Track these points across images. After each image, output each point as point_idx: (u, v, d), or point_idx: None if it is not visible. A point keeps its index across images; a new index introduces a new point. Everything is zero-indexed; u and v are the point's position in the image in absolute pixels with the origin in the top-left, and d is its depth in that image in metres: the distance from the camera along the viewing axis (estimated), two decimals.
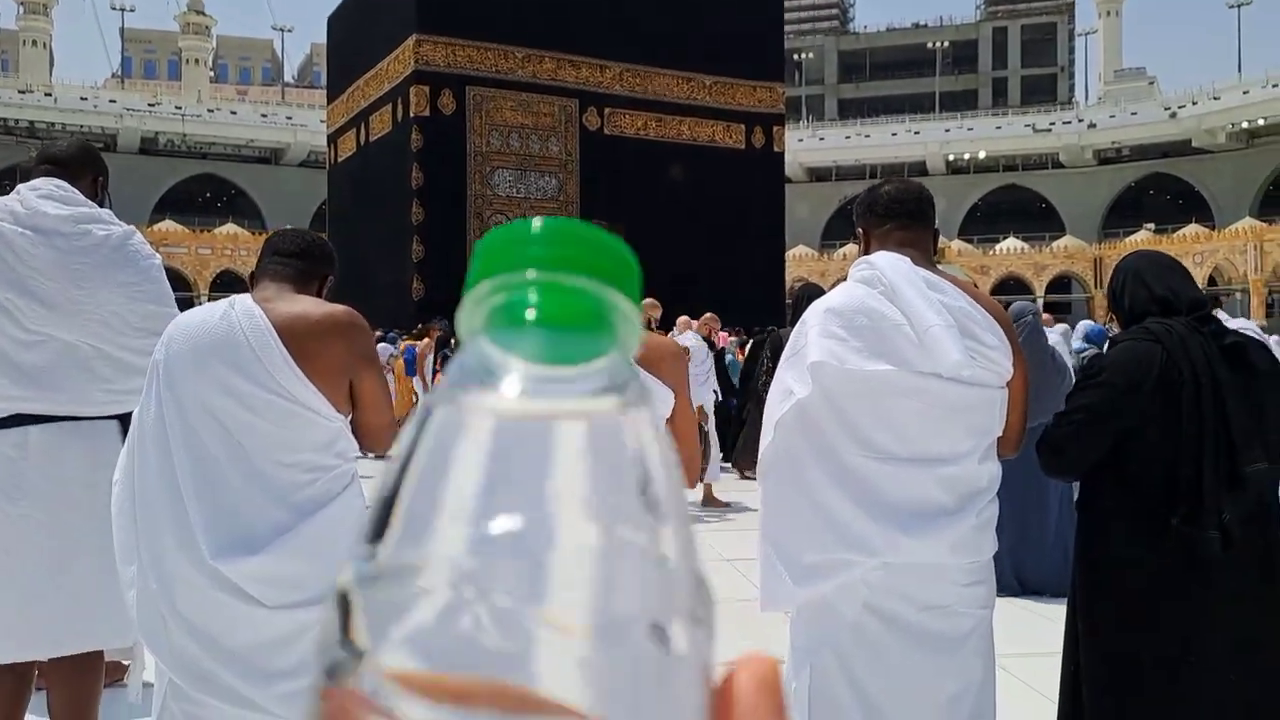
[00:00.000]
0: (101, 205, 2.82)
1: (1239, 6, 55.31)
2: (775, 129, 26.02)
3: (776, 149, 26.11)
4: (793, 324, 5.81)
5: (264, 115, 53.57)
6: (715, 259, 22.21)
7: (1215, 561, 2.02)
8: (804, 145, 53.68)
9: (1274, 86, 45.99)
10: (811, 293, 5.93)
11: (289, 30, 67.22)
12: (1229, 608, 2.08)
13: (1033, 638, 2.03)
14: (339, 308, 2.18)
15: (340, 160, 26.79)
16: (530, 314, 0.24)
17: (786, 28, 32.54)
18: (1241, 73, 51.43)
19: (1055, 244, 46.72)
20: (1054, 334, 6.42)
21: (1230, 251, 39.54)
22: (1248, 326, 7.54)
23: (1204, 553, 2.01)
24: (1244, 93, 47.77)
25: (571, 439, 0.22)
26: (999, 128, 54.94)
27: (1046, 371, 5.19)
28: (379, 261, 22.05)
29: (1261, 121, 47.45)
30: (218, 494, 1.97)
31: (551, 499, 0.21)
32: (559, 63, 22.49)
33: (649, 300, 10.09)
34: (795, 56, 63.39)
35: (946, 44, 64.08)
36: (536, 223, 0.25)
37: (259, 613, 1.95)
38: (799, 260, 45.90)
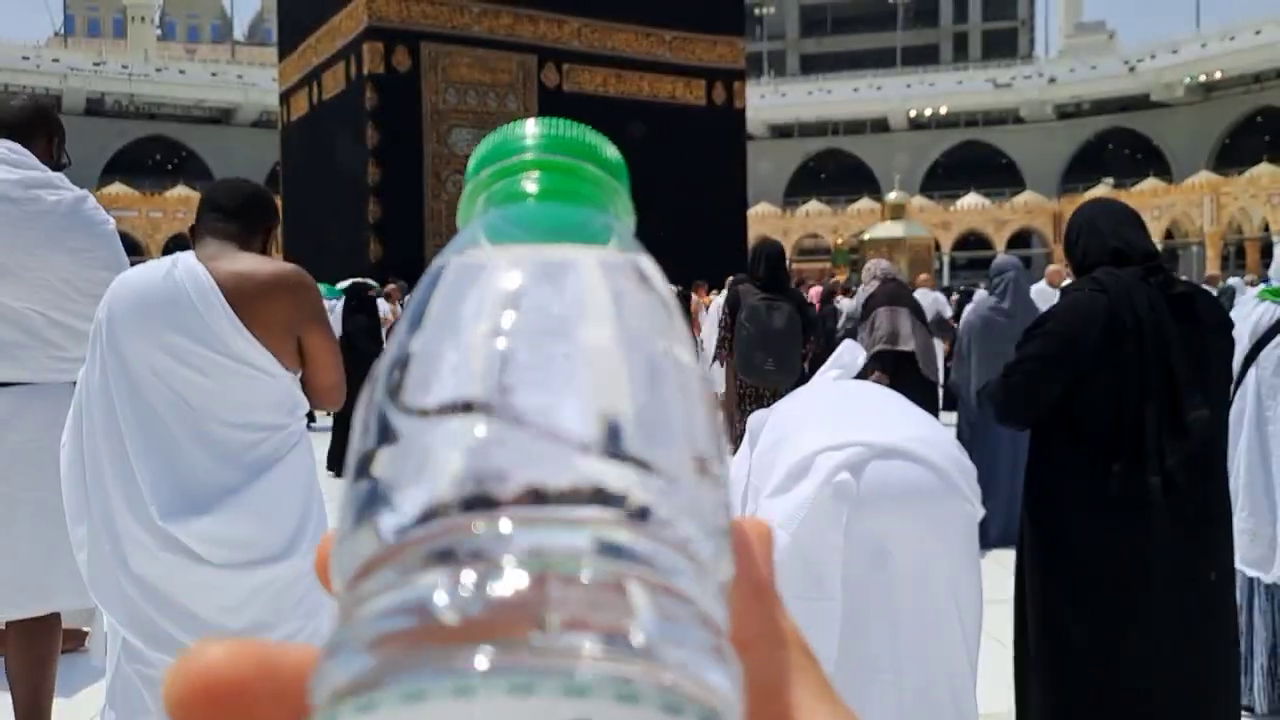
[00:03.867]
0: (60, 166, 2.78)
1: None
2: (736, 85, 25.81)
3: (738, 105, 25.91)
4: (751, 276, 5.77)
5: (214, 74, 52.36)
6: (677, 216, 22.01)
7: (1157, 507, 2.07)
8: (766, 101, 53.41)
9: (1231, 39, 46.34)
10: (770, 250, 5.86)
11: None
12: (1169, 552, 2.14)
13: (989, 585, 2.02)
14: (286, 265, 2.17)
15: (293, 120, 26.26)
16: (530, 188, 0.24)
17: None
18: (1200, 26, 51.75)
19: (1016, 199, 47.06)
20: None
21: (1187, 205, 40.01)
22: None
23: (1147, 498, 2.07)
24: (1201, 45, 48.11)
25: (594, 271, 0.21)
26: (960, 83, 54.98)
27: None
28: (334, 223, 21.70)
29: (1219, 75, 47.83)
30: (166, 454, 1.96)
31: (585, 318, 0.20)
32: (516, 17, 22.10)
33: None
34: (756, 11, 62.86)
35: None
36: (532, 120, 0.25)
37: (210, 572, 1.95)
38: (762, 217, 45.88)
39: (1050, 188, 50.41)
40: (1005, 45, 63.61)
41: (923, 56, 62.00)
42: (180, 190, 42.71)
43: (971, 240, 46.23)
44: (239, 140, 50.65)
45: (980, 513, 1.95)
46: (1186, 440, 2.07)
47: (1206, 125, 49.54)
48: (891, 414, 2.06)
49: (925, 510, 1.88)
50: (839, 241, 40.49)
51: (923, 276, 14.94)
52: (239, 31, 76.85)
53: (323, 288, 14.19)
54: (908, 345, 5.44)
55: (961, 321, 6.13)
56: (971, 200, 46.73)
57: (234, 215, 2.18)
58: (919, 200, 46.56)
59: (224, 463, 1.96)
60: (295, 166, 26.49)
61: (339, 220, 21.36)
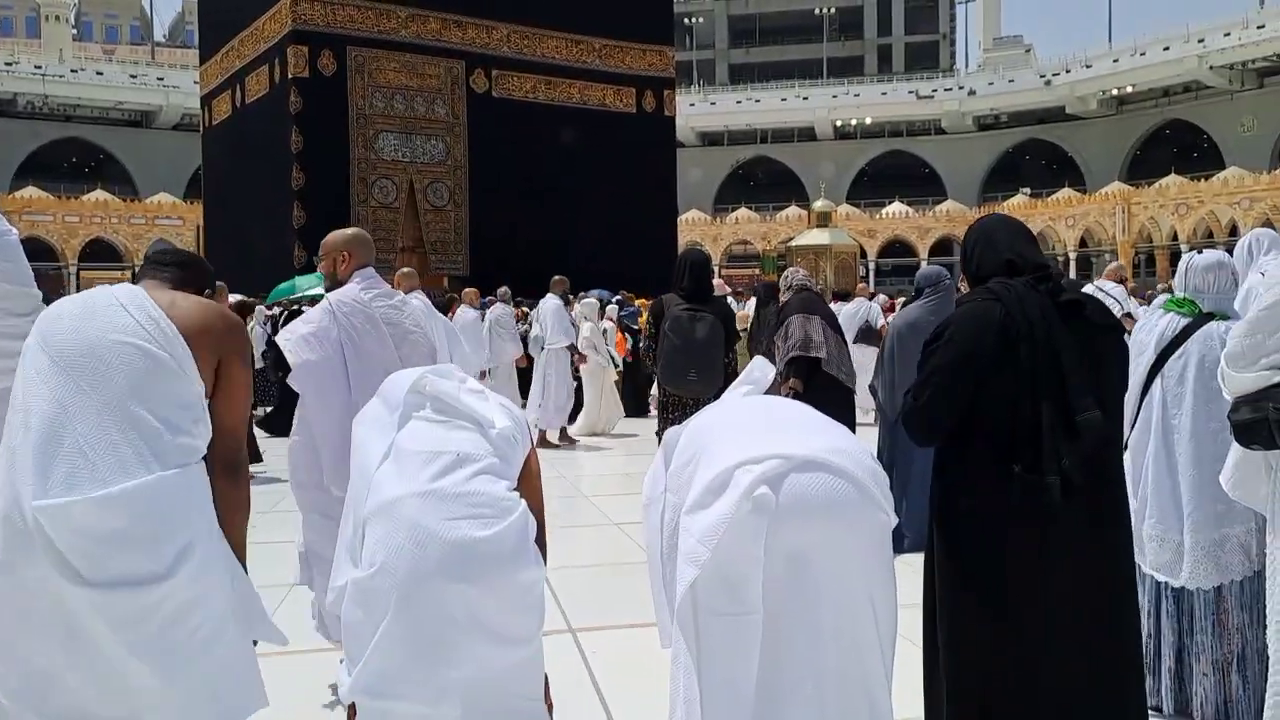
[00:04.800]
0: None
1: None
2: (666, 93, 25.96)
3: (667, 113, 26.06)
4: (678, 288, 5.81)
5: (133, 76, 50.93)
6: (607, 223, 22.12)
7: (1055, 508, 2.12)
8: (696, 110, 53.80)
9: (1142, 55, 47.99)
10: (694, 259, 5.90)
11: None
12: (1068, 553, 2.19)
13: (902, 589, 2.08)
14: (217, 305, 2.21)
15: (215, 123, 25.68)
16: None
17: None
18: (1112, 41, 53.53)
19: (938, 208, 48.10)
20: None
21: (1100, 214, 41.28)
22: (1110, 287, 7.88)
23: (1045, 499, 2.11)
24: (1114, 61, 49.71)
25: None
26: (884, 94, 56.02)
27: None
28: (259, 228, 21.27)
29: (1130, 89, 49.52)
30: (73, 428, 1.87)
31: None
32: (444, 23, 21.93)
33: (557, 277, 10.21)
34: (686, 21, 63.29)
35: (833, 10, 64.81)
36: None
37: (84, 596, 1.80)
38: (692, 224, 46.17)
39: (971, 197, 51.62)
40: (927, 58, 64.98)
41: (848, 68, 63.03)
42: (98, 194, 41.43)
43: (896, 247, 47.11)
44: (160, 143, 49.34)
45: (893, 520, 2.01)
46: (1079, 441, 2.13)
47: (1118, 137, 51.22)
48: (806, 426, 2.10)
49: (843, 520, 1.91)
50: (768, 248, 40.92)
51: (860, 286, 15.30)
52: (159, 33, 74.95)
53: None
54: (819, 352, 5.49)
55: (889, 327, 6.16)
56: (896, 209, 47.63)
57: (170, 266, 2.24)
58: (845, 208, 47.29)
59: (127, 441, 1.87)
60: (218, 170, 25.91)
61: (262, 225, 20.95)
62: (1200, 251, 3.13)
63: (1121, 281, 8.15)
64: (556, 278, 10.35)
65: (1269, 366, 2.33)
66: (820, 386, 5.42)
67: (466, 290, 11.22)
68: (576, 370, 10.33)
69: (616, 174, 23.19)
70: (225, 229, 24.22)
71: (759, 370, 2.40)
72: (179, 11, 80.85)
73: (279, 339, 3.44)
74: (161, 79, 51.01)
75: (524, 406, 10.62)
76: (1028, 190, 47.52)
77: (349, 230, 3.69)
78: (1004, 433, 2.19)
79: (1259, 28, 43.86)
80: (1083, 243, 42.81)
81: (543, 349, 9.79)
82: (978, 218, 2.62)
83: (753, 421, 2.13)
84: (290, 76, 20.41)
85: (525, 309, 12.57)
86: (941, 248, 47.18)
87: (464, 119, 22.12)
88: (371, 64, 21.07)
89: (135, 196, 44.85)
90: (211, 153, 26.58)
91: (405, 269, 8.06)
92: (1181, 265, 3.14)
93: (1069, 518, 2.15)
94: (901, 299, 13.95)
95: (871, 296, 13.38)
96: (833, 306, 12.26)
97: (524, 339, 10.98)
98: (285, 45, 20.60)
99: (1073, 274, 39.63)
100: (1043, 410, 2.15)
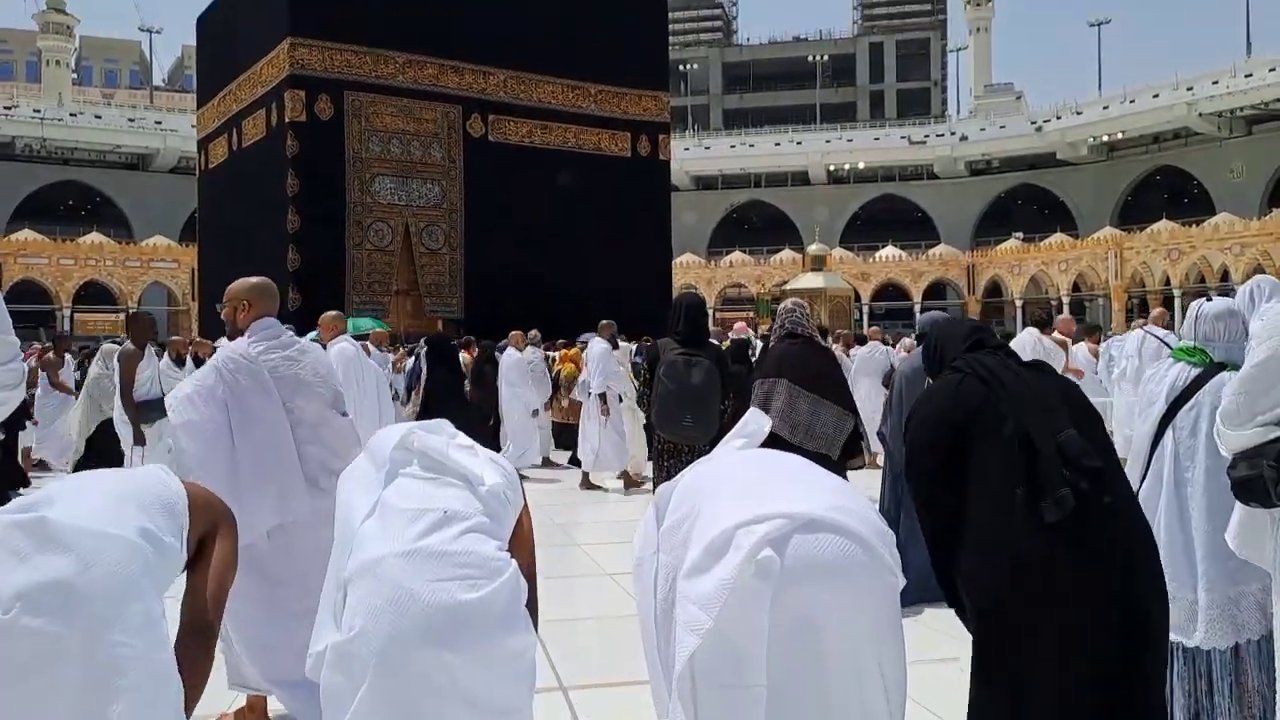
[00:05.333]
0: None
1: (1099, 25, 58.21)
2: (661, 137, 26.12)
3: (662, 157, 26.21)
4: (673, 332, 5.70)
5: (131, 119, 51.22)
6: (602, 266, 22.13)
7: (1068, 516, 2.12)
8: (690, 154, 54.23)
9: (1131, 103, 48.54)
10: (689, 303, 5.82)
11: (158, 31, 64.43)
12: (1089, 567, 2.17)
13: (908, 646, 1.99)
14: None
15: (211, 166, 25.76)
16: None
17: (671, 39, 32.79)
18: (1102, 89, 54.14)
19: (931, 251, 48.34)
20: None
21: (1093, 259, 41.50)
22: (1159, 332, 8.54)
23: (1058, 510, 2.12)
24: (1104, 108, 50.27)
25: None
26: (877, 139, 56.55)
27: None
28: (252, 271, 21.13)
29: (1120, 135, 50.03)
30: None
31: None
32: (441, 68, 22.10)
33: (604, 322, 10.18)
34: (681, 67, 64.02)
35: (826, 57, 65.68)
36: None
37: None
38: (686, 267, 46.29)
39: (963, 240, 51.91)
40: (919, 104, 65.77)
41: (841, 114, 63.71)
42: (94, 237, 41.44)
43: (890, 291, 47.27)
44: (156, 186, 49.52)
45: (902, 582, 1.91)
46: (1078, 462, 2.16)
47: (1109, 183, 51.65)
48: (809, 482, 2.01)
49: (851, 583, 1.81)
50: (762, 291, 41.00)
51: (873, 330, 15.18)
52: (158, 77, 75.60)
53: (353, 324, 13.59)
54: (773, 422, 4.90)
55: (895, 373, 5.91)
56: (889, 252, 47.85)
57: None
58: (839, 251, 47.51)
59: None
60: (213, 213, 25.95)
61: (257, 268, 20.81)
62: (1209, 298, 3.06)
63: (1169, 327, 9.12)
64: (604, 322, 10.26)
65: (1264, 423, 2.30)
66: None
67: (513, 333, 11.45)
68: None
69: (611, 217, 23.25)
70: (220, 272, 24.19)
71: (754, 423, 2.31)
72: (178, 56, 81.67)
73: (167, 400, 3.46)
74: (159, 122, 51.31)
75: (571, 451, 11.04)
76: (1020, 235, 47.82)
77: (252, 279, 3.67)
78: (1003, 479, 2.22)
79: (1246, 76, 44.42)
80: (1075, 287, 42.97)
81: (589, 395, 9.76)
82: (925, 320, 2.76)
83: (751, 477, 2.03)
84: (287, 120, 20.50)
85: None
86: (935, 291, 47.35)
87: (460, 163, 22.20)
88: (369, 108, 21.18)
89: (131, 239, 44.89)
90: (207, 196, 26.64)
91: (331, 313, 7.57)
92: (1190, 313, 3.07)
93: (1084, 533, 2.14)
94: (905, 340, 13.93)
95: (885, 340, 13.32)
96: (852, 350, 12.29)
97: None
98: (283, 90, 20.71)
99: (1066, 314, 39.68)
100: (1037, 440, 2.19)
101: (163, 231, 44.56)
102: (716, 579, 1.78)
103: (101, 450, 8.85)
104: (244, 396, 3.31)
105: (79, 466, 9.29)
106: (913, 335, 11.98)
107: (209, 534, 2.08)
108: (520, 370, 10.70)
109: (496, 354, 11.38)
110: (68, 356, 11.96)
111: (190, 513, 2.01)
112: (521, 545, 2.09)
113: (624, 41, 24.54)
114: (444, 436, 2.16)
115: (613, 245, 22.81)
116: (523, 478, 10.72)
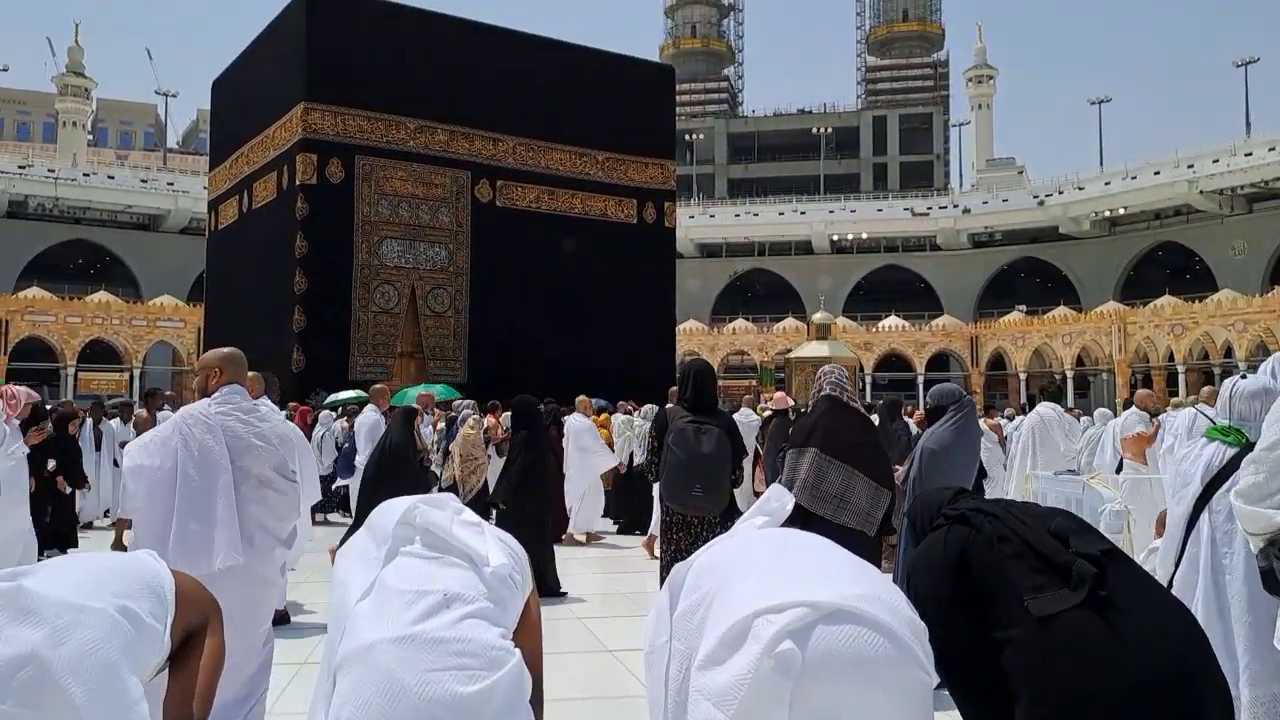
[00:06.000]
0: None
1: (1100, 103, 59.04)
2: (667, 205, 26.35)
3: (668, 224, 26.40)
4: (681, 399, 5.59)
5: (144, 180, 51.81)
6: (607, 331, 22.16)
7: (1087, 583, 1.91)
8: (695, 222, 54.65)
9: (1133, 178, 48.99)
10: (698, 369, 5.73)
11: (174, 95, 65.51)
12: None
13: None
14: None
15: (221, 227, 25.95)
16: None
17: (678, 109, 33.26)
18: (1103, 164, 54.67)
19: (934, 322, 48.38)
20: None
21: (1096, 333, 41.49)
22: (1209, 411, 8.08)
23: (1077, 582, 1.91)
24: (1105, 184, 50.74)
25: None
26: (880, 210, 57.03)
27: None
28: (260, 331, 21.27)
29: (1122, 210, 50.42)
30: None
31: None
32: (451, 134, 22.37)
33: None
34: (687, 137, 64.88)
35: (830, 130, 66.53)
36: None
37: None
38: (690, 334, 46.37)
39: (966, 312, 52.01)
40: (922, 176, 66.45)
41: (844, 185, 64.38)
42: (101, 295, 41.59)
43: (893, 361, 47.21)
44: (165, 246, 49.88)
45: (934, 680, 1.77)
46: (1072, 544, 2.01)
47: (1112, 257, 51.90)
48: (833, 568, 1.87)
49: (879, 679, 1.67)
50: (764, 359, 40.97)
51: (907, 407, 14.28)
52: (173, 139, 76.67)
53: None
54: (801, 496, 4.61)
55: (915, 450, 5.54)
56: (892, 322, 47.89)
57: None
58: (842, 320, 47.55)
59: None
60: (221, 274, 26.08)
61: (263, 328, 20.94)
62: (1244, 376, 2.97)
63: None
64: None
65: (1274, 506, 2.23)
66: (824, 531, 5.01)
67: (579, 399, 11.53)
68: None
69: (616, 283, 23.34)
70: (226, 332, 24.22)
71: (775, 499, 2.20)
72: (193, 120, 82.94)
73: (126, 447, 3.89)
74: (171, 184, 51.87)
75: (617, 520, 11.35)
76: (1023, 307, 47.91)
77: (224, 349, 3.97)
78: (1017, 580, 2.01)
79: (1246, 154, 44.90)
80: (1080, 361, 42.92)
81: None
82: (916, 501, 2.47)
83: (771, 560, 1.90)
84: (298, 183, 20.69)
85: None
86: (937, 362, 47.29)
87: (468, 227, 22.35)
88: (379, 172, 21.39)
89: (139, 299, 45.06)
90: (216, 256, 26.80)
91: (253, 374, 7.60)
92: (1225, 391, 2.97)
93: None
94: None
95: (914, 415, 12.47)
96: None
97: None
98: (295, 153, 20.94)
99: (1070, 393, 39.62)
100: (1031, 543, 2.01)
101: (171, 291, 44.74)
102: (733, 672, 1.65)
103: None
104: (196, 449, 3.58)
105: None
106: (922, 405, 11.78)
107: (198, 628, 1.99)
108: (593, 435, 10.83)
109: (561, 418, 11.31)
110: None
111: (177, 602, 1.92)
112: (528, 633, 1.95)
113: (632, 111, 24.89)
114: (449, 511, 2.04)
115: (617, 310, 22.86)
116: (597, 538, 10.58)
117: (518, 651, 1.85)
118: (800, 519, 4.44)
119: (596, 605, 7.50)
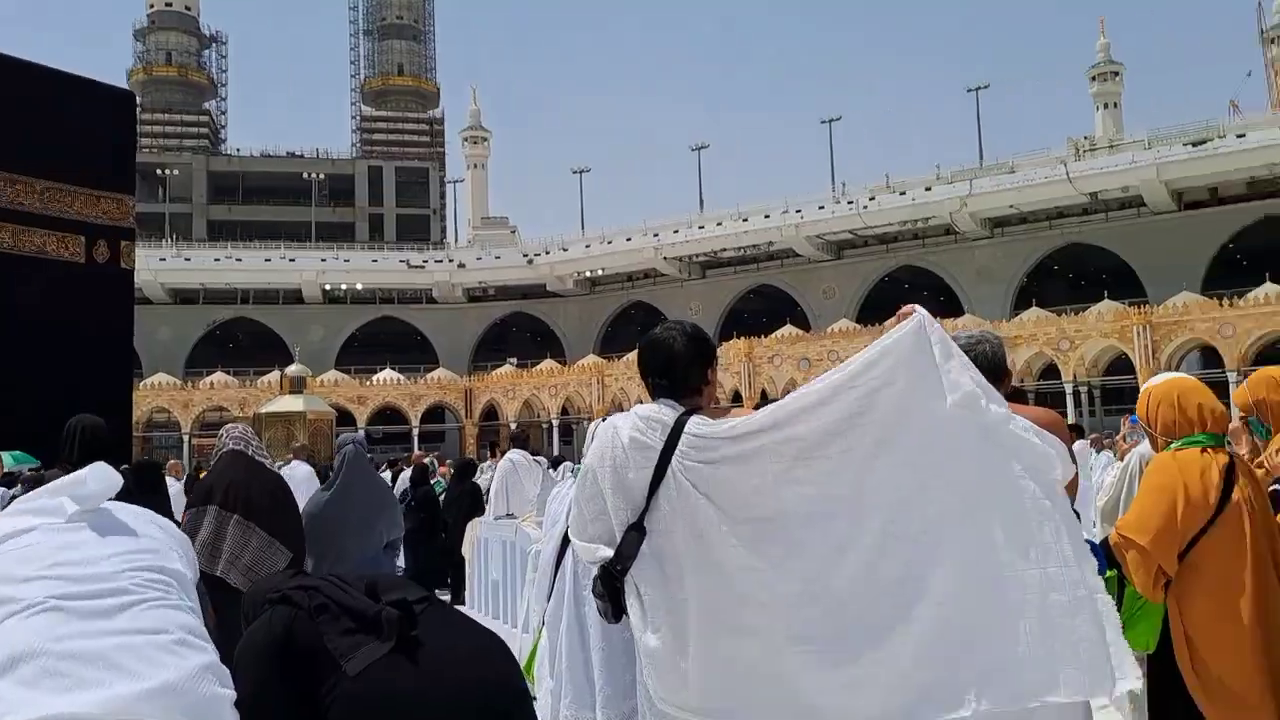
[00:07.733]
0: None
1: (581, 173, 63.57)
2: (124, 244, 22.86)
3: (125, 265, 22.96)
4: (62, 462, 4.19)
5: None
6: (49, 384, 18.48)
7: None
8: (167, 265, 49.60)
9: (609, 243, 53.50)
10: (89, 423, 4.85)
11: None
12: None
13: None
14: None
15: None
16: None
17: (148, 140, 29.63)
18: (585, 228, 58.93)
19: (430, 375, 48.48)
20: None
21: (579, 384, 44.21)
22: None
23: (388, 631, 1.94)
24: (586, 246, 54.78)
25: None
26: (375, 261, 56.21)
27: None
28: None
29: (600, 272, 54.73)
30: None
31: None
32: None
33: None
34: (159, 172, 58.94)
35: (323, 176, 64.51)
36: None
37: None
38: (158, 389, 41.65)
39: (461, 365, 52.88)
40: (419, 229, 66.82)
41: (339, 233, 62.57)
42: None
43: (389, 414, 46.35)
44: None
45: None
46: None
47: (592, 314, 56.07)
48: None
49: None
50: (244, 415, 37.81)
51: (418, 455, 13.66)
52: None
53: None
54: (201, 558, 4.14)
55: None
56: (387, 375, 47.13)
57: None
58: (334, 373, 45.81)
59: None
60: None
61: None
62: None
63: None
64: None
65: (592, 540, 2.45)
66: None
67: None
68: None
69: (59, 331, 19.61)
70: None
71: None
72: None
73: None
74: None
75: None
76: (514, 360, 49.75)
77: None
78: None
79: (700, 227, 51.04)
80: (564, 410, 45.37)
81: None
82: (247, 595, 2.24)
83: None
84: None
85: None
86: (433, 415, 47.31)
87: None
88: None
89: None
90: None
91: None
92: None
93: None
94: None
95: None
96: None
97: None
98: None
99: (556, 441, 41.58)
100: (353, 606, 2.02)
101: None
102: None
103: None
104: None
105: None
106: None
107: None
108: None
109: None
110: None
111: None
112: None
113: (84, 137, 21.32)
114: None
115: (62, 361, 19.17)
116: None
117: None
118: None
119: None
